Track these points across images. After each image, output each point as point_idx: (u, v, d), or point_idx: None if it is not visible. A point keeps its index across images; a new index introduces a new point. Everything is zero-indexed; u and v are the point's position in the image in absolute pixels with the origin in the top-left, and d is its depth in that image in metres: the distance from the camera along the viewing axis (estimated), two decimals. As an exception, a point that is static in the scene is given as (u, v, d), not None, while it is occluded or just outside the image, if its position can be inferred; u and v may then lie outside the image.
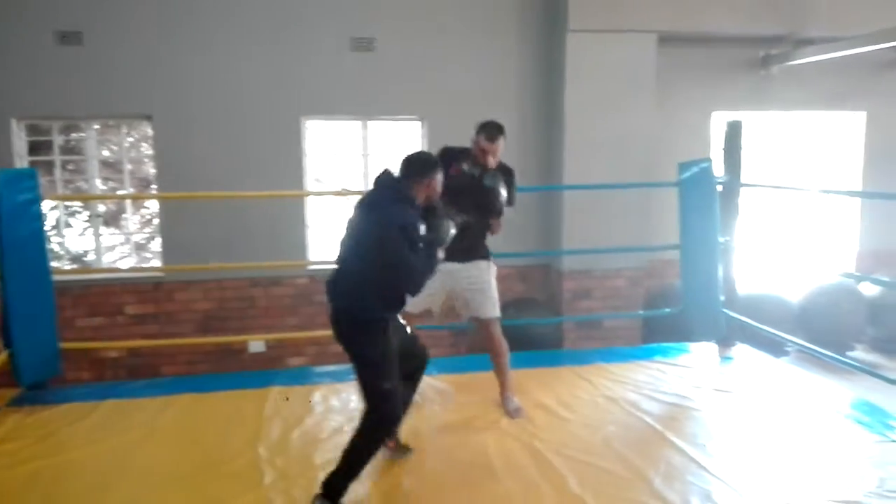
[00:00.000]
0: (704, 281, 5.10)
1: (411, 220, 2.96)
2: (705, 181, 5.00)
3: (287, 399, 4.15)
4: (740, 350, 5.04)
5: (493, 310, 3.95)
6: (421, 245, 2.98)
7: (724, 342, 5.10)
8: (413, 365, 3.34)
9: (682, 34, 6.55)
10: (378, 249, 2.94)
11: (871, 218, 7.51)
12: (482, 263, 3.93)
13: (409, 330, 3.39)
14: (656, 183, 5.96)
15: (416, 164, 3.11)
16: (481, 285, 3.91)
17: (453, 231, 3.17)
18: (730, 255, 5.15)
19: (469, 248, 3.83)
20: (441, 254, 3.12)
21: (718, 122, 6.77)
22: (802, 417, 3.86)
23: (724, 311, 5.07)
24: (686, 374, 4.60)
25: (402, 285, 3.00)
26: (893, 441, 3.49)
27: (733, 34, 6.74)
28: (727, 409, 3.98)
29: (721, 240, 5.06)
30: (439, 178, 3.12)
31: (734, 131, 5.11)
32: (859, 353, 6.78)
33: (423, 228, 3.02)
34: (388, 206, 2.99)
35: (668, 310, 5.65)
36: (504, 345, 4.01)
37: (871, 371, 4.31)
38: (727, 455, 3.38)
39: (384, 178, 3.12)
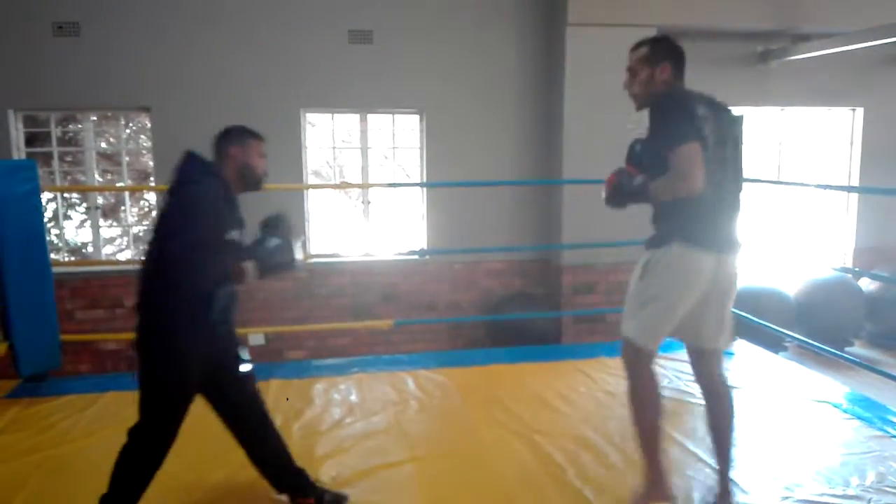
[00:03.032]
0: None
1: (212, 189, 2.51)
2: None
3: (287, 399, 4.14)
4: (739, 345, 5.05)
5: (631, 325, 2.69)
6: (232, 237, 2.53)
7: (723, 337, 5.11)
8: (238, 418, 2.79)
9: (682, 28, 6.52)
10: (163, 224, 2.50)
11: (869, 213, 7.53)
12: (649, 253, 2.67)
13: (245, 367, 2.77)
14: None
15: (218, 138, 2.74)
16: (634, 283, 2.73)
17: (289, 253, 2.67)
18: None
19: (655, 231, 2.72)
20: (252, 268, 2.63)
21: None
22: (801, 412, 3.87)
23: (723, 305, 5.08)
24: (686, 368, 4.57)
25: (181, 269, 2.42)
26: (892, 436, 3.51)
27: (732, 29, 6.75)
28: (726, 404, 3.99)
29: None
30: (245, 147, 2.70)
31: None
32: (857, 349, 6.80)
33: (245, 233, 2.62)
34: (188, 179, 2.56)
35: (666, 304, 5.65)
36: (644, 392, 2.69)
37: (869, 366, 4.31)
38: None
39: (184, 158, 2.67)
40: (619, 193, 2.66)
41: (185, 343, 2.50)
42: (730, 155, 2.65)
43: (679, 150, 2.43)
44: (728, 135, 2.66)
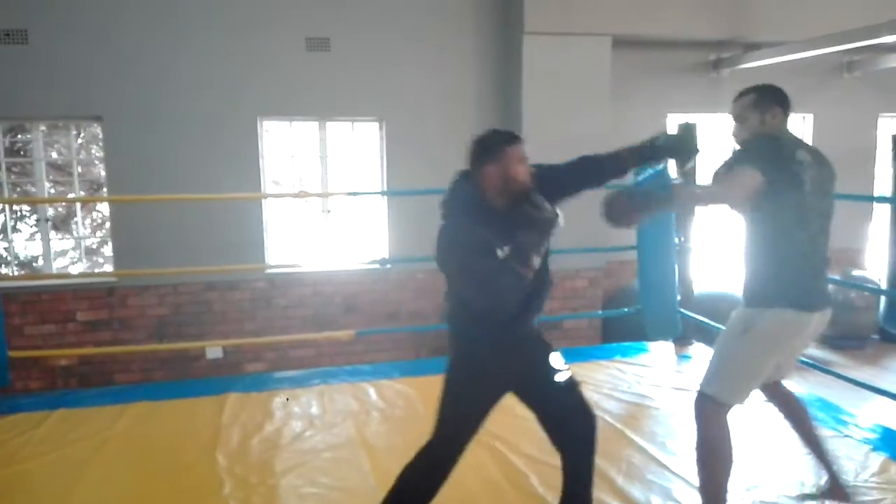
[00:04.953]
0: (661, 281, 5.17)
1: (469, 236, 2.40)
2: (661, 183, 5.07)
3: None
4: (697, 349, 5.12)
5: (712, 382, 2.70)
6: (504, 252, 2.34)
7: (682, 341, 5.19)
8: (558, 432, 2.63)
9: (637, 37, 6.65)
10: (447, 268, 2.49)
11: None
12: (744, 312, 2.71)
13: (561, 377, 2.61)
14: (613, 185, 6.01)
15: (470, 153, 2.50)
16: (721, 341, 2.77)
17: (555, 222, 2.48)
18: (686, 255, 5.23)
19: (746, 285, 2.77)
20: (536, 260, 2.39)
21: (673, 124, 6.88)
22: (758, 414, 3.93)
23: (681, 310, 5.16)
24: (645, 372, 4.66)
25: (482, 304, 2.41)
26: (845, 436, 3.58)
27: (685, 38, 6.87)
28: (686, 407, 4.00)
29: (677, 240, 5.14)
30: (502, 161, 2.44)
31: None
32: (810, 350, 6.95)
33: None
34: (450, 217, 2.55)
35: (626, 310, 5.71)
36: (715, 447, 2.68)
37: (822, 367, 4.41)
38: (687, 453, 3.41)
39: (456, 181, 2.60)
40: (634, 205, 2.59)
41: (484, 351, 2.50)
42: (826, 209, 2.67)
43: (738, 168, 2.49)
44: (829, 189, 2.69)
